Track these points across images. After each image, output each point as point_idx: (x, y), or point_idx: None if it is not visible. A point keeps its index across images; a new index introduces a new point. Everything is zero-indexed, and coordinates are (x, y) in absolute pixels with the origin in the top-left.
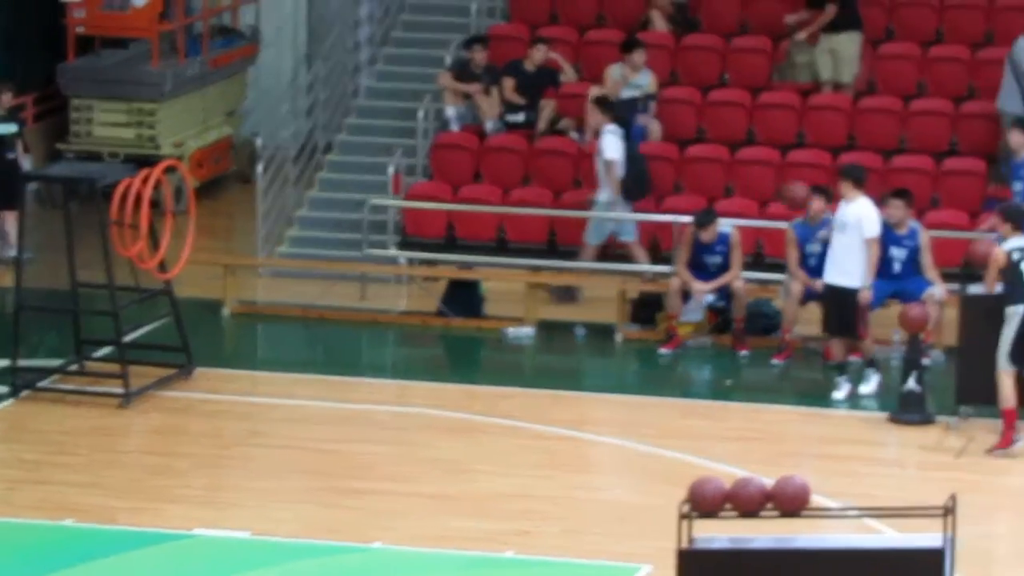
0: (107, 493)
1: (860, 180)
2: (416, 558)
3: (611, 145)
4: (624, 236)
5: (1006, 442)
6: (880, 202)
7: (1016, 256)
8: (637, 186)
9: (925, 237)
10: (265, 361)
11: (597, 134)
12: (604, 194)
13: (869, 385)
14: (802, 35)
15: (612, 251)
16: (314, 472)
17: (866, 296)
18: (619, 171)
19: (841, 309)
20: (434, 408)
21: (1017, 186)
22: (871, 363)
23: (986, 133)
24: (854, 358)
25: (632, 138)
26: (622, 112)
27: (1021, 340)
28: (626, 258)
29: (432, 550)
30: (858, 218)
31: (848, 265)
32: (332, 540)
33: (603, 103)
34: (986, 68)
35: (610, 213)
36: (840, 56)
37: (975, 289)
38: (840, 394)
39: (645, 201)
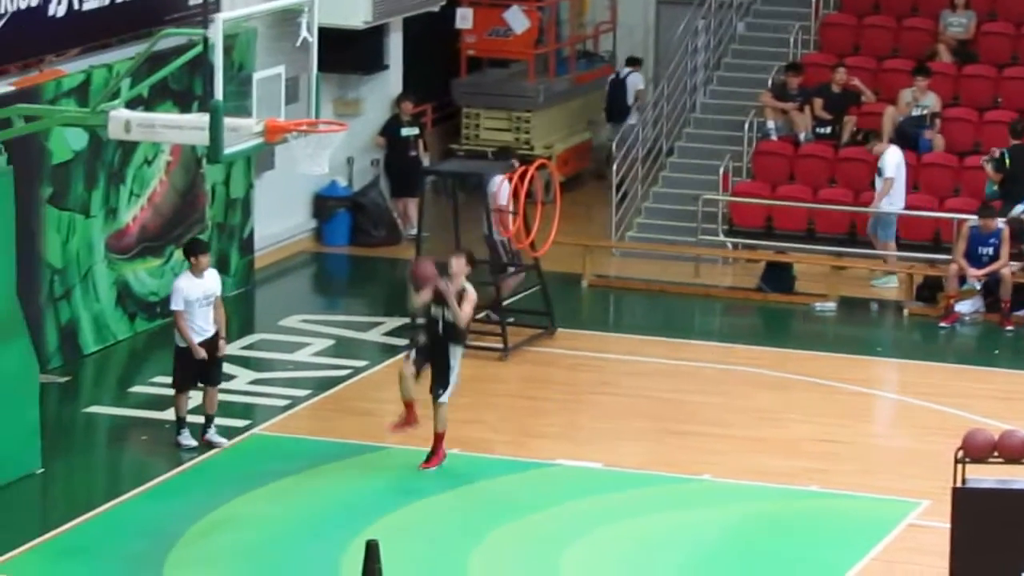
0: (486, 428)
1: None
2: (738, 489)
3: None
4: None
5: None
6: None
7: None
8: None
9: None
10: (614, 325)
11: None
12: None
13: None
14: None
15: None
16: (652, 416)
17: None
18: None
19: None
20: (752, 367)
21: None
22: None
23: None
24: None
25: (919, 149)
26: (911, 128)
27: None
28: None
29: (750, 482)
30: None
31: None
32: (668, 472)
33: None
34: None
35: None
36: None
37: None
38: None
39: (928, 202)
